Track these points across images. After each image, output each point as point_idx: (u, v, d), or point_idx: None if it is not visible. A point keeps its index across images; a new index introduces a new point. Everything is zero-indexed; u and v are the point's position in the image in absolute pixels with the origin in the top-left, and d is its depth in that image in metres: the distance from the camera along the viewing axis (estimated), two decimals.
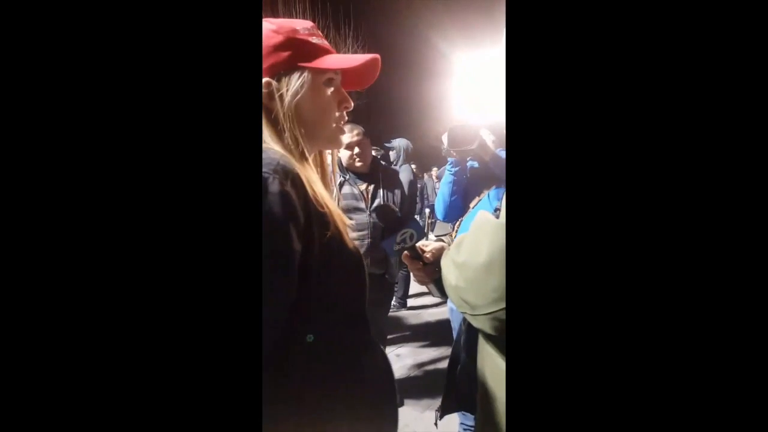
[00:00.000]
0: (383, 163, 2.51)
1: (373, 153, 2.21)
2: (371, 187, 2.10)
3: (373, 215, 2.04)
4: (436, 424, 0.92)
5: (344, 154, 2.04)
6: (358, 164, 2.05)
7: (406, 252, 0.88)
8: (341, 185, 2.03)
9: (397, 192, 2.18)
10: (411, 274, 0.93)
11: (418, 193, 4.05)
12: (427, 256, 0.89)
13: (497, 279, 0.60)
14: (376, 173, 2.13)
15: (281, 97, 0.65)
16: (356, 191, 2.05)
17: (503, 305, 0.61)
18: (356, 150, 2.02)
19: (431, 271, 0.88)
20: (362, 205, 2.04)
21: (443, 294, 0.87)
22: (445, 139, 1.65)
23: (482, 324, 0.66)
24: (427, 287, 0.92)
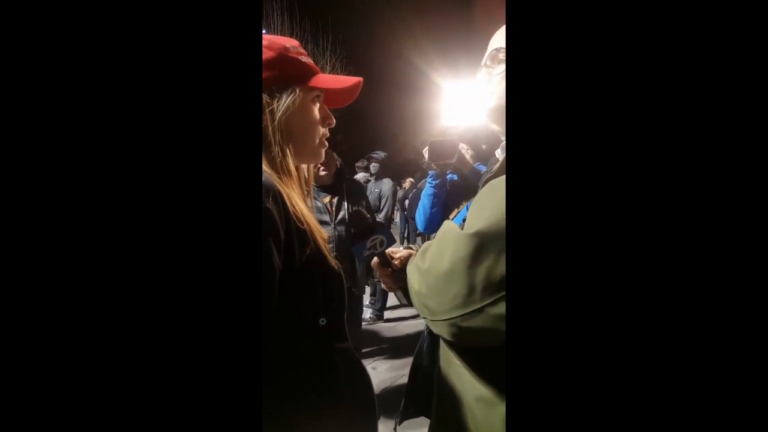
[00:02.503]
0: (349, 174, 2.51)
1: (337, 164, 2.20)
2: (335, 200, 2.08)
3: (339, 228, 2.02)
4: (395, 429, 0.92)
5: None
6: (322, 173, 2.03)
7: (375, 258, 0.89)
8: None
9: (363, 203, 2.17)
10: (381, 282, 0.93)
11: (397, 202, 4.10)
12: (396, 262, 0.90)
13: (457, 287, 0.62)
14: (340, 185, 2.12)
15: (272, 111, 0.67)
16: (320, 204, 2.04)
17: (460, 312, 0.62)
18: (321, 160, 2.00)
19: (399, 278, 0.88)
20: (327, 218, 2.02)
21: (410, 301, 0.88)
22: (425, 153, 1.68)
23: (440, 329, 0.68)
24: (395, 294, 0.93)
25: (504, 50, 0.77)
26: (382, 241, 0.87)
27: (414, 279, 0.73)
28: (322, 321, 0.66)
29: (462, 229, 0.66)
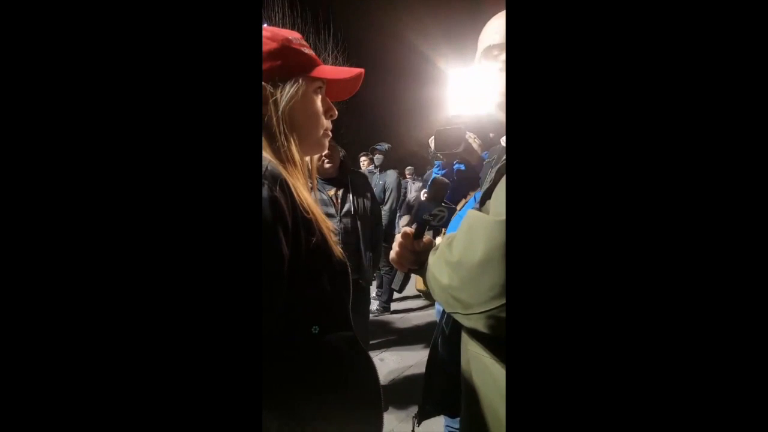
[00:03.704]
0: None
1: (341, 156, 2.19)
2: (340, 192, 2.08)
3: (345, 221, 2.02)
4: (413, 430, 0.91)
5: (312, 157, 2.01)
6: (327, 165, 2.03)
7: (409, 229, 0.86)
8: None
9: (368, 196, 2.16)
10: (393, 253, 0.88)
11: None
12: (418, 242, 0.87)
13: (494, 277, 0.60)
14: (345, 177, 2.11)
15: (275, 102, 0.67)
16: (325, 197, 2.04)
17: (499, 303, 0.61)
18: (324, 152, 2.00)
19: (416, 260, 0.86)
20: (332, 210, 2.02)
21: (402, 287, 0.89)
22: (431, 142, 1.66)
23: (475, 323, 0.66)
24: (398, 273, 0.90)
25: (497, 47, 0.77)
26: (443, 217, 0.87)
27: (441, 273, 0.71)
28: (315, 329, 0.66)
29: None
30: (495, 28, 0.79)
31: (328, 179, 2.08)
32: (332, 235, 0.71)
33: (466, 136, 1.57)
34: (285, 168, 0.66)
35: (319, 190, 2.03)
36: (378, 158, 4.36)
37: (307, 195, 0.68)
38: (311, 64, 0.72)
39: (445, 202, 0.89)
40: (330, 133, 0.77)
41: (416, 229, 0.86)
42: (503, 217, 0.61)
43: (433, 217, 0.86)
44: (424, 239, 0.87)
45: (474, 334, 0.72)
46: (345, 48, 10.64)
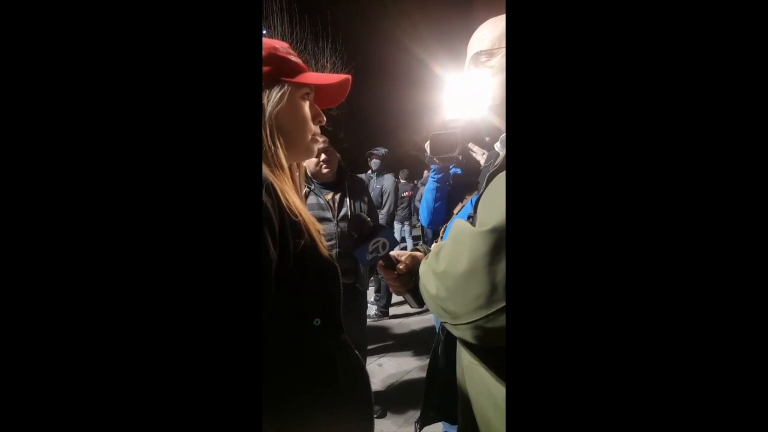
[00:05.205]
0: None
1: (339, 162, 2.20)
2: (337, 196, 2.08)
3: (341, 225, 2.02)
4: None
5: (310, 162, 2.02)
6: (324, 170, 2.04)
7: (381, 262, 0.88)
8: (306, 195, 2.00)
9: (365, 200, 2.17)
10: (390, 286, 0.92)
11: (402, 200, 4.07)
12: (400, 267, 0.89)
13: (479, 287, 0.61)
14: (342, 182, 2.12)
15: (262, 107, 0.69)
16: (322, 201, 2.03)
17: (485, 313, 0.61)
18: (323, 156, 2.01)
19: (407, 281, 0.88)
20: (329, 214, 2.02)
21: (420, 303, 0.87)
22: (427, 147, 1.66)
23: (463, 333, 0.66)
24: (404, 296, 0.92)
25: (484, 53, 0.79)
26: (384, 244, 0.86)
27: (430, 283, 0.71)
28: (316, 321, 0.67)
29: (474, 226, 0.65)
30: (482, 35, 0.81)
31: (326, 184, 2.09)
32: (322, 237, 0.72)
33: (469, 146, 1.57)
34: (272, 172, 0.67)
35: (317, 194, 2.04)
36: (375, 162, 4.37)
37: (294, 198, 0.68)
38: (297, 70, 0.73)
39: (372, 228, 0.87)
40: (318, 139, 0.79)
41: (385, 263, 0.88)
42: (487, 227, 0.61)
43: (375, 251, 0.85)
44: (405, 259, 0.89)
45: (466, 343, 0.73)
46: (343, 54, 10.69)
